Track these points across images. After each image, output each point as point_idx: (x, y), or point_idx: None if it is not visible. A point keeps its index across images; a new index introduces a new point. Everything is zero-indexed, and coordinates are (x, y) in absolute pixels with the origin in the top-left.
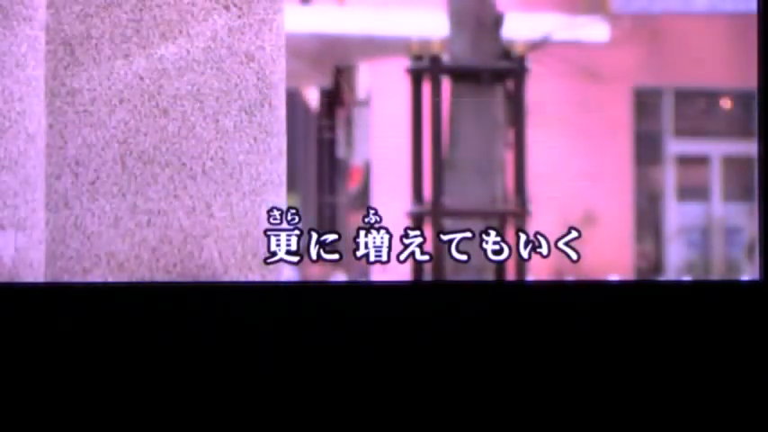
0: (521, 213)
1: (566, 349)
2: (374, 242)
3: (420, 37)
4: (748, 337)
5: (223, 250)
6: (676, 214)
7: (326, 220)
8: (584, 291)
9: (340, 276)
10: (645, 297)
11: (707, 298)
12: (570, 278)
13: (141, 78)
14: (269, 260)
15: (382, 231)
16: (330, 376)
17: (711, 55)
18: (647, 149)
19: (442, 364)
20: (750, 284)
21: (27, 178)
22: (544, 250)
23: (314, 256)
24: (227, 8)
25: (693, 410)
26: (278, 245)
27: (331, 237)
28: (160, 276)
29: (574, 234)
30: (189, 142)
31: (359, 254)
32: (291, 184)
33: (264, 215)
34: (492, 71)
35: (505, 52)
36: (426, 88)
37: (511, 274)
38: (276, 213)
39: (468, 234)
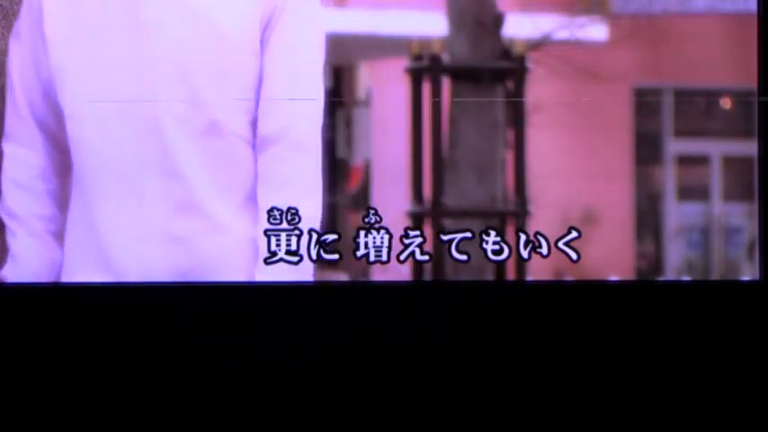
0: (521, 213)
1: (566, 349)
2: (374, 242)
3: (420, 37)
4: (748, 336)
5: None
6: (676, 214)
7: (326, 220)
8: (584, 291)
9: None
10: (645, 297)
11: (707, 298)
12: (570, 278)
13: None
14: (269, 260)
15: (382, 231)
16: (329, 376)
17: (711, 55)
18: (647, 149)
19: (441, 364)
20: (750, 284)
21: None
22: (544, 250)
23: (314, 256)
24: None
25: (694, 410)
26: (278, 245)
27: (331, 237)
28: None
29: (574, 234)
30: None
31: (359, 254)
32: None
33: (265, 215)
34: (492, 71)
35: (505, 52)
36: (426, 88)
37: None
38: (276, 213)
39: (468, 234)
